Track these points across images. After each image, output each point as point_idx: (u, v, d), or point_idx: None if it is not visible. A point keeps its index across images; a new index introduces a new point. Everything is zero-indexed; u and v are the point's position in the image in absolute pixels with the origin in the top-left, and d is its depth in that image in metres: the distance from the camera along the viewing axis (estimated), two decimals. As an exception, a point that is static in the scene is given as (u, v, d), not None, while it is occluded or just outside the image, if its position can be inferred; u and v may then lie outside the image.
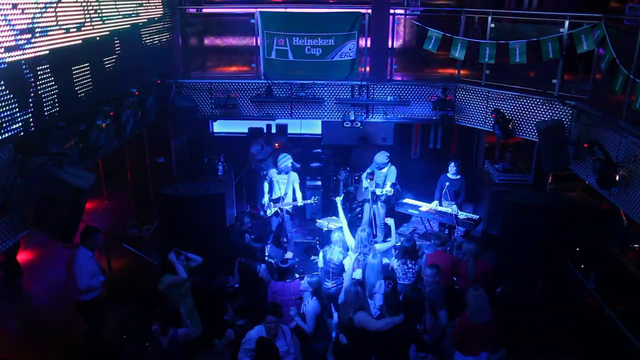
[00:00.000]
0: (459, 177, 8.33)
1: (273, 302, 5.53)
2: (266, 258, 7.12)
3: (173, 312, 5.11)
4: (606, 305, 6.45)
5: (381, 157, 8.27)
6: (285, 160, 8.10)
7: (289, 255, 8.33)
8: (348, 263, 6.37)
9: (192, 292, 6.05)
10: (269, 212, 8.27)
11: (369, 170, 8.33)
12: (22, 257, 7.95)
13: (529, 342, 5.58)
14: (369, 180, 8.08)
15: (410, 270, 6.30)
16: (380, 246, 6.66)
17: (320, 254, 6.61)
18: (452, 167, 8.31)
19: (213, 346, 5.30)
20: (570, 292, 6.92)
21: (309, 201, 8.42)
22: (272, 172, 8.25)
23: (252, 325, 5.24)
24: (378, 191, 8.06)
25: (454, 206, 8.10)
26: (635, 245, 7.53)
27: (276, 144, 9.74)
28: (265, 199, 8.27)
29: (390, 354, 5.05)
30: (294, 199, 8.29)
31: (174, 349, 5.00)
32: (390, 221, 7.14)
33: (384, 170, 8.26)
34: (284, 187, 8.20)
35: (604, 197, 5.75)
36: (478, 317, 5.01)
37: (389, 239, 7.07)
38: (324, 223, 8.31)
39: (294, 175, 8.29)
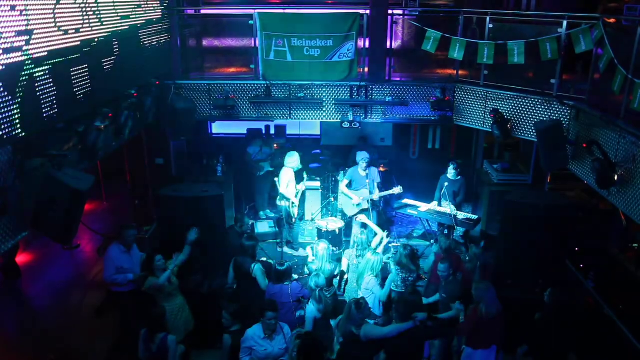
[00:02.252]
0: (458, 177, 8.33)
1: (269, 299, 5.51)
2: (265, 259, 7.10)
3: (159, 318, 5.05)
4: (605, 304, 6.47)
5: (363, 155, 8.06)
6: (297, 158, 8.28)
7: (301, 253, 8.43)
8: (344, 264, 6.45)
9: (190, 293, 6.04)
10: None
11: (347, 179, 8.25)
12: (21, 259, 7.94)
13: (528, 341, 5.59)
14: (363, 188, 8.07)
15: (408, 279, 6.26)
16: (374, 243, 6.63)
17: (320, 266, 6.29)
18: (451, 168, 8.30)
19: (211, 347, 5.28)
20: (570, 292, 6.92)
21: (304, 180, 8.73)
22: (291, 173, 8.29)
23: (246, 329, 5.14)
24: (375, 197, 7.96)
25: (453, 206, 8.10)
26: (634, 245, 7.55)
27: (275, 145, 9.73)
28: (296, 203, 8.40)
29: (402, 357, 5.07)
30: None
31: (163, 354, 4.98)
32: (360, 220, 7.30)
33: (365, 172, 8.06)
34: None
35: (602, 197, 5.75)
36: (491, 309, 5.11)
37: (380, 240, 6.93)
38: (323, 223, 8.30)
39: None
